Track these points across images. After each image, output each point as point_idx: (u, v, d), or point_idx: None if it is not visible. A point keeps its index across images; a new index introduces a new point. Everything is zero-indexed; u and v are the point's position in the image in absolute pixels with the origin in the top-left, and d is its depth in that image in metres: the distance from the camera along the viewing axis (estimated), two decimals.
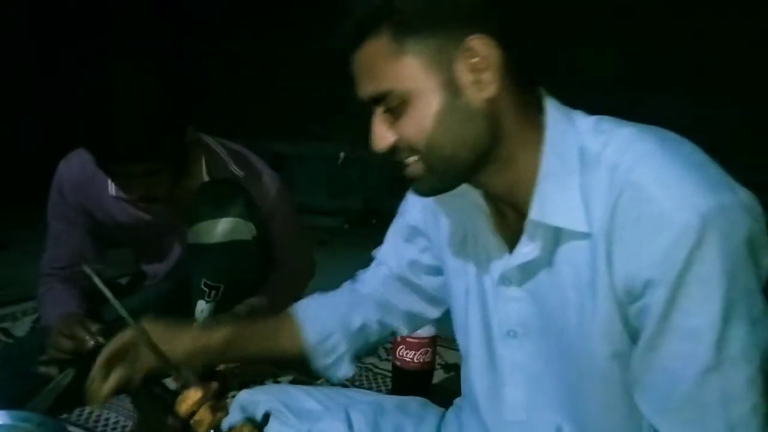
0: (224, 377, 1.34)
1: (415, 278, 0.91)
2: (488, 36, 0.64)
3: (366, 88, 0.68)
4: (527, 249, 0.69)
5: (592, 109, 0.71)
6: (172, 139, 1.17)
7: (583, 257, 0.65)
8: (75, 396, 1.29)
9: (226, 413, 0.80)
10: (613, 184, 0.62)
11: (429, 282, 0.91)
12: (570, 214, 0.65)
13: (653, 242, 0.58)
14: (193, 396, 0.75)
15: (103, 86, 1.12)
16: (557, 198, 0.66)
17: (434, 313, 0.95)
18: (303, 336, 0.89)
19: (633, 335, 0.63)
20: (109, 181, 1.29)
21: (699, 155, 0.63)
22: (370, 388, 1.51)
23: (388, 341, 1.43)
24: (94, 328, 1.19)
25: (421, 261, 0.90)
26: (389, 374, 1.49)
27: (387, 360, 1.57)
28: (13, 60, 3.56)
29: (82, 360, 1.16)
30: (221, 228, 1.24)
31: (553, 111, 0.68)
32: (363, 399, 0.93)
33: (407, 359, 1.34)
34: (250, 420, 0.82)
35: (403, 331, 0.97)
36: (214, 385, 0.79)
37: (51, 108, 3.43)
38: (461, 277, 0.80)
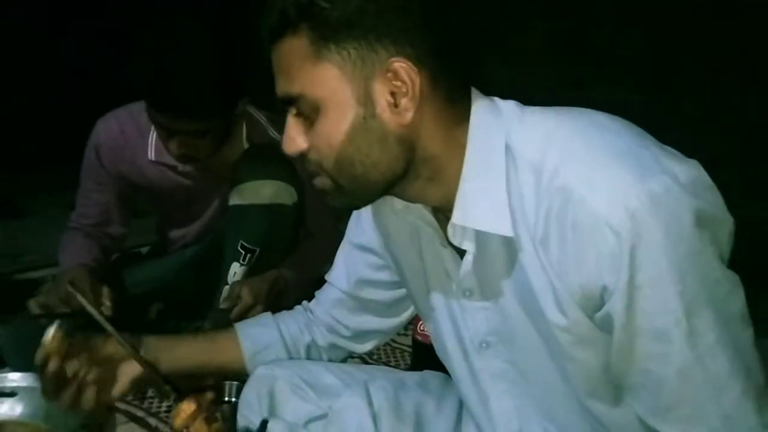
0: (216, 401, 1.32)
1: (369, 295, 0.89)
2: (413, 61, 0.60)
3: (280, 87, 0.65)
4: (465, 262, 0.66)
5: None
6: (227, 104, 1.19)
7: (533, 263, 0.61)
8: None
9: (220, 425, 0.78)
10: (540, 189, 0.59)
11: (385, 295, 0.89)
12: (494, 217, 0.61)
13: (595, 249, 0.55)
14: (186, 409, 0.74)
15: (173, 39, 1.15)
16: (480, 200, 0.62)
17: (394, 322, 0.94)
18: (242, 348, 0.91)
19: (607, 339, 0.59)
20: (150, 145, 1.31)
21: (625, 138, 0.58)
22: (388, 363, 1.49)
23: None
24: (105, 292, 1.19)
25: (374, 278, 0.88)
26: (408, 349, 1.47)
27: (406, 335, 1.55)
28: (29, 22, 3.55)
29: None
30: (266, 190, 1.25)
31: (478, 112, 0.64)
32: (383, 375, 0.92)
33: (428, 333, 1.32)
34: (246, 430, 0.81)
35: (359, 349, 0.96)
36: (208, 395, 0.79)
37: (67, 73, 3.46)
38: (424, 294, 0.78)
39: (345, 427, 0.80)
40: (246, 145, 1.33)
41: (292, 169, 1.28)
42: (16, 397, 1.13)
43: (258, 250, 1.26)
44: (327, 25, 0.60)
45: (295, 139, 0.65)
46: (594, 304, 0.58)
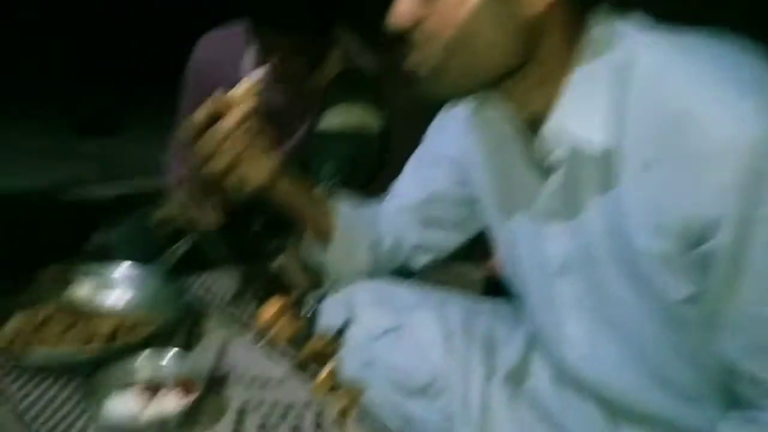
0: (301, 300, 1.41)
1: (438, 210, 0.88)
2: None
3: None
4: (555, 176, 0.65)
5: None
6: (326, 21, 1.22)
7: (625, 186, 0.59)
8: (191, 262, 1.43)
9: (303, 325, 0.83)
10: (654, 110, 0.55)
11: (455, 213, 0.88)
12: (591, 129, 0.59)
13: (712, 178, 0.53)
14: (271, 307, 0.79)
15: None
16: (580, 110, 0.60)
17: (455, 241, 0.94)
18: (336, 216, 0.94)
19: (702, 273, 0.58)
20: (244, 64, 1.35)
21: (760, 70, 0.54)
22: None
23: None
24: (213, 203, 1.28)
25: (448, 193, 0.86)
26: (481, 283, 1.50)
27: (479, 269, 1.58)
28: None
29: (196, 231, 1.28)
30: (353, 115, 1.28)
31: (598, 24, 0.61)
32: (457, 297, 0.95)
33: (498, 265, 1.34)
34: (326, 331, 0.86)
35: (415, 264, 0.97)
36: (292, 297, 0.84)
37: None
38: (502, 213, 0.76)
39: (418, 341, 0.84)
40: (338, 69, 1.36)
41: (380, 95, 1.30)
42: (125, 287, 1.27)
43: (348, 171, 1.30)
44: None
45: (409, 10, 0.62)
46: (693, 238, 0.57)
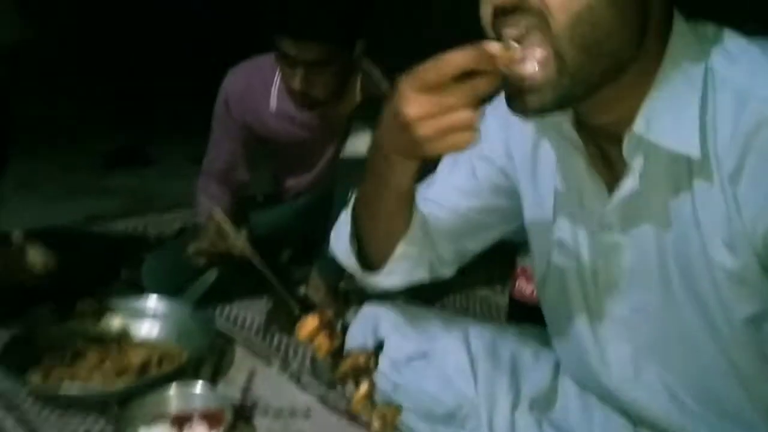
0: (346, 293, 1.42)
1: (475, 216, 0.82)
2: None
3: None
4: (627, 180, 0.60)
5: None
6: (347, 34, 1.26)
7: (709, 197, 0.57)
8: (217, 294, 1.46)
9: (341, 340, 0.84)
10: (742, 115, 0.53)
11: (489, 220, 0.82)
12: (680, 135, 0.56)
13: None
14: (311, 323, 0.80)
15: None
16: (667, 114, 0.56)
17: (481, 249, 0.86)
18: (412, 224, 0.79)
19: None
20: (272, 96, 1.41)
21: None
22: (484, 320, 1.53)
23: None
24: (244, 233, 1.31)
25: (487, 198, 0.80)
26: (504, 307, 1.50)
27: (502, 294, 1.57)
28: None
29: (227, 261, 1.30)
30: None
31: (681, 27, 0.59)
32: (482, 324, 0.94)
33: (526, 293, 1.34)
34: (365, 348, 0.86)
35: (446, 273, 0.86)
36: (329, 313, 0.84)
37: (198, 24, 3.66)
38: (546, 224, 0.73)
39: (444, 367, 0.83)
40: (359, 98, 1.39)
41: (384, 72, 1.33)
42: (154, 319, 1.29)
43: None
44: None
45: None
46: None
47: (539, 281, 0.80)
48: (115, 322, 1.28)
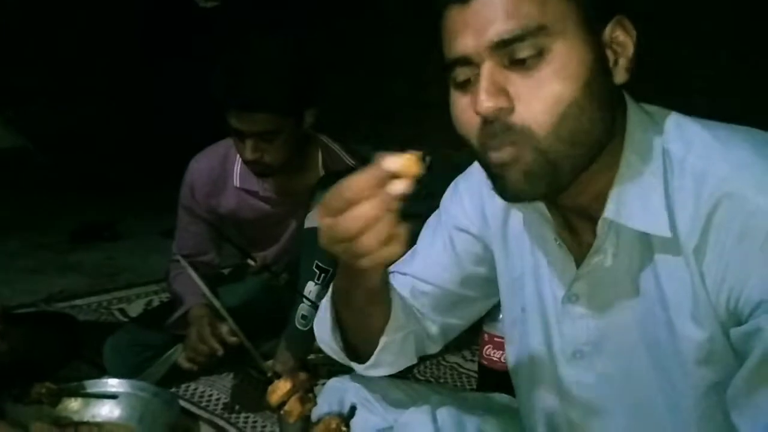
0: (314, 366, 1.41)
1: (462, 289, 0.83)
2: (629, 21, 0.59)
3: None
4: (599, 257, 0.63)
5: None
6: (294, 104, 1.31)
7: (674, 271, 0.60)
8: (182, 371, 1.43)
9: (314, 404, 0.83)
10: (702, 195, 0.57)
11: (472, 292, 0.83)
12: (650, 217, 0.59)
13: (763, 261, 0.54)
14: (282, 387, 0.79)
15: (243, 51, 1.32)
16: (637, 199, 0.60)
17: (464, 325, 0.87)
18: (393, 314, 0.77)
19: (737, 355, 0.59)
20: (235, 173, 1.45)
21: None
22: (454, 389, 1.52)
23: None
24: (225, 330, 1.34)
25: (473, 272, 0.81)
26: (474, 374, 1.49)
27: (472, 360, 1.57)
28: (127, 55, 3.86)
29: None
30: None
31: (633, 108, 0.62)
32: (447, 393, 0.94)
33: (494, 359, 1.34)
34: (338, 414, 0.85)
35: (434, 348, 0.86)
36: (302, 376, 0.83)
37: (154, 103, 3.74)
38: (516, 292, 0.76)
39: None
40: (322, 172, 1.43)
41: None
42: (115, 401, 1.25)
43: (332, 270, 1.33)
44: None
45: (498, 93, 0.55)
46: (737, 318, 0.57)
47: (509, 349, 0.81)
48: (73, 405, 1.23)
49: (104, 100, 3.80)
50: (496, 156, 0.58)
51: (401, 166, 0.52)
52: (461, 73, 0.59)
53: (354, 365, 0.79)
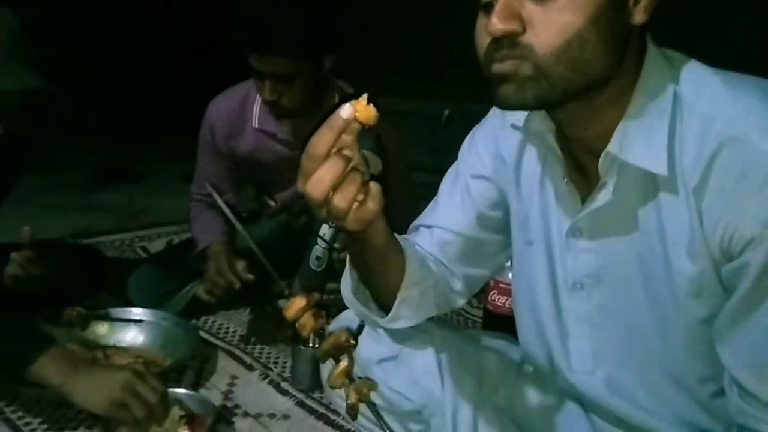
0: (325, 306, 1.47)
1: (482, 234, 0.85)
2: None
3: None
4: (601, 193, 0.67)
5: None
6: (310, 48, 1.32)
7: (674, 209, 0.63)
8: (200, 305, 1.50)
9: (325, 320, 0.88)
10: (707, 137, 0.60)
11: (493, 239, 0.86)
12: (650, 155, 0.62)
13: (759, 200, 0.56)
14: (298, 303, 0.83)
15: None
16: (640, 137, 0.63)
17: (489, 274, 0.91)
18: (407, 261, 0.79)
19: (726, 291, 0.63)
20: (254, 114, 1.48)
21: None
22: None
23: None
24: (241, 267, 1.40)
25: (490, 215, 0.85)
26: (480, 319, 1.55)
27: (478, 307, 1.63)
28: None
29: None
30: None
31: (653, 52, 0.65)
32: (452, 328, 0.99)
33: (499, 304, 1.39)
34: (347, 328, 0.91)
35: (459, 302, 0.89)
36: (316, 295, 0.88)
37: (181, 49, 3.75)
38: (523, 227, 0.80)
39: (412, 368, 0.88)
40: None
41: (380, 140, 1.39)
42: (139, 328, 1.34)
43: None
44: None
45: (511, 16, 0.59)
46: (729, 255, 0.60)
47: (515, 281, 0.86)
48: (101, 330, 1.32)
49: (124, 45, 3.81)
50: (497, 67, 0.61)
51: (353, 111, 0.58)
52: None
53: (378, 320, 0.83)
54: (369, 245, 0.73)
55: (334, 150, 0.59)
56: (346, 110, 0.59)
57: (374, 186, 0.61)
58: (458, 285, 0.88)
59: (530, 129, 0.73)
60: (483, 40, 0.63)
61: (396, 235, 0.79)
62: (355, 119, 0.59)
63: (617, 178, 0.65)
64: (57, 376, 0.98)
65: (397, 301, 0.80)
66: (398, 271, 0.79)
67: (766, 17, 2.11)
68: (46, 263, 1.25)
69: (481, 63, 0.64)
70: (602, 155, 0.65)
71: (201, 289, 1.46)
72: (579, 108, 0.64)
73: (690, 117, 0.62)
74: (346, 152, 0.60)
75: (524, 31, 0.59)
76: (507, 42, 0.60)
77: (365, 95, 0.60)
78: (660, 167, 0.62)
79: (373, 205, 0.61)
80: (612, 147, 0.64)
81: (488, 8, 0.62)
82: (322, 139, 0.59)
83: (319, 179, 0.59)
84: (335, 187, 0.59)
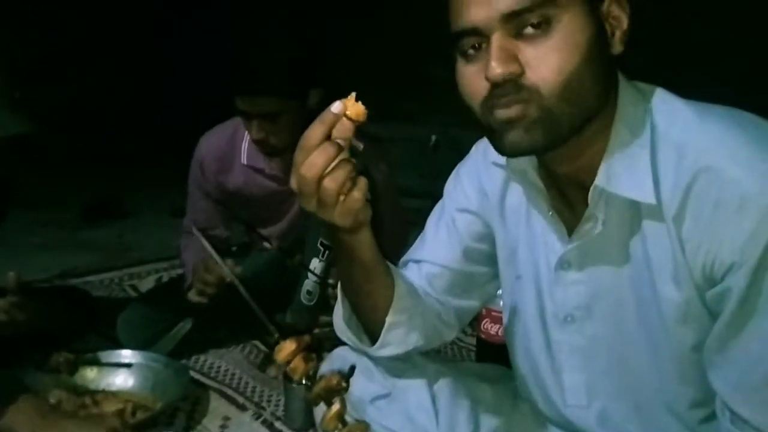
0: (319, 340, 1.46)
1: (470, 268, 0.86)
2: None
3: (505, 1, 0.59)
4: (589, 225, 0.68)
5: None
6: (294, 86, 1.34)
7: (658, 236, 0.64)
8: (192, 343, 1.48)
9: (316, 363, 0.88)
10: (681, 166, 0.61)
11: (482, 272, 0.87)
12: (638, 186, 0.63)
13: (736, 226, 0.58)
14: (288, 346, 0.84)
15: (251, 36, 1.40)
16: (626, 169, 0.64)
17: (479, 305, 0.92)
18: (396, 285, 0.80)
19: (712, 316, 0.63)
20: (243, 151, 1.49)
21: None
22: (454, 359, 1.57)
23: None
24: (230, 263, 1.36)
25: (477, 248, 0.86)
26: (473, 348, 1.54)
27: (471, 335, 1.62)
28: (139, 36, 3.88)
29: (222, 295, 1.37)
30: None
31: (624, 84, 0.67)
32: (444, 362, 0.98)
33: (492, 332, 1.38)
34: (338, 372, 0.90)
35: (450, 334, 0.89)
36: (306, 338, 0.88)
37: (168, 82, 3.77)
38: (511, 262, 0.80)
39: (406, 405, 0.86)
40: None
41: (367, 171, 1.39)
42: (129, 371, 1.31)
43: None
44: None
45: (509, 59, 0.59)
46: (711, 281, 0.61)
47: (506, 316, 0.86)
48: (89, 374, 1.29)
49: (112, 77, 3.83)
50: (504, 113, 0.61)
51: (344, 107, 0.62)
52: (469, 43, 0.62)
53: (367, 350, 0.84)
54: (357, 259, 0.74)
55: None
56: (336, 105, 0.62)
57: (362, 179, 0.65)
58: (448, 317, 0.88)
59: (512, 166, 0.74)
60: (478, 88, 0.62)
61: (387, 262, 0.80)
62: (345, 116, 0.63)
63: (606, 209, 0.66)
64: (26, 428, 0.96)
65: (385, 327, 0.80)
66: (387, 293, 0.79)
67: (738, 43, 2.16)
68: (32, 307, 1.23)
69: (477, 112, 0.64)
70: (591, 189, 0.66)
71: (192, 293, 1.41)
72: (572, 144, 0.64)
73: (665, 147, 0.63)
74: (339, 142, 0.63)
75: (524, 72, 0.59)
76: (511, 86, 0.60)
77: (354, 93, 0.63)
78: (648, 197, 0.63)
79: (358, 194, 0.64)
80: (600, 180, 0.65)
81: (472, 56, 0.62)
82: (314, 133, 0.62)
83: (312, 162, 0.62)
84: (327, 173, 0.62)
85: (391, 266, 0.82)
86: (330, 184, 0.62)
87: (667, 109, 0.65)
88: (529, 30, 0.59)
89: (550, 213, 0.73)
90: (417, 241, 0.91)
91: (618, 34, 0.63)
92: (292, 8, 3.76)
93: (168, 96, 3.79)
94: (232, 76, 1.33)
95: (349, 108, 0.62)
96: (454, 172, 0.89)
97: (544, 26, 0.59)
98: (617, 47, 0.63)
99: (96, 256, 2.38)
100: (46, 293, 1.52)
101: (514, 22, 0.59)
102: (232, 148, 1.51)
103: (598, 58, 0.61)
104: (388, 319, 0.80)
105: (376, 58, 3.66)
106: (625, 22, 0.63)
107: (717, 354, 0.63)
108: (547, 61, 0.59)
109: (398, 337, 0.82)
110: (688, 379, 0.68)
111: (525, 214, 0.77)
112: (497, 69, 0.59)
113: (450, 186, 0.88)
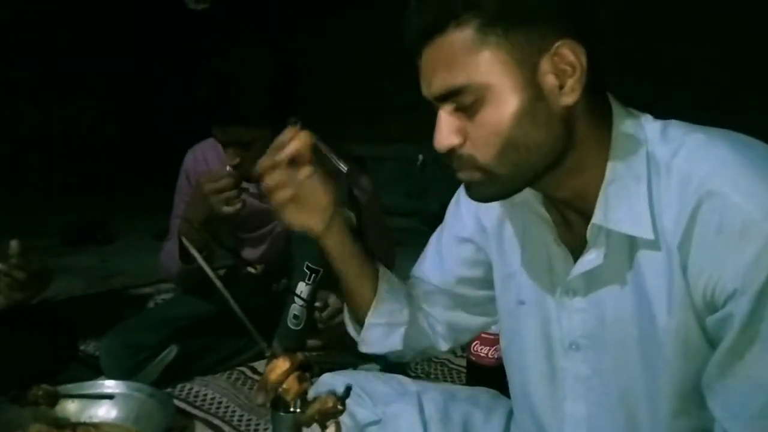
0: (308, 364, 1.43)
1: (463, 290, 0.89)
2: (576, 41, 0.62)
3: (438, 83, 0.64)
4: (592, 256, 0.68)
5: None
6: (272, 115, 1.31)
7: (654, 267, 0.64)
8: (177, 372, 1.45)
9: (310, 384, 0.85)
10: (686, 194, 0.61)
11: (476, 294, 0.89)
12: (635, 221, 0.64)
13: (738, 253, 0.58)
14: (281, 366, 0.80)
15: (224, 65, 1.35)
16: (622, 204, 0.65)
17: (477, 325, 0.93)
18: (378, 286, 0.87)
19: (711, 344, 0.63)
20: (227, 169, 1.45)
21: None
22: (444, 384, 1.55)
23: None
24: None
25: (470, 275, 0.88)
26: (464, 370, 1.53)
27: (462, 357, 1.61)
28: (121, 62, 3.88)
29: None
30: None
31: (619, 115, 0.68)
32: (434, 387, 0.97)
33: (482, 354, 1.38)
34: (333, 392, 0.88)
35: (443, 346, 0.93)
36: (300, 356, 0.85)
37: (152, 108, 3.76)
38: (509, 286, 0.80)
39: (398, 431, 0.86)
40: None
41: (353, 194, 1.38)
42: (112, 402, 1.28)
43: (322, 270, 1.36)
44: (493, 12, 0.61)
45: (451, 133, 0.65)
46: (712, 307, 0.61)
47: (504, 341, 0.85)
48: (70, 406, 1.25)
49: (96, 101, 3.81)
50: (458, 174, 0.69)
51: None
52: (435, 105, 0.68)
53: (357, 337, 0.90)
54: (332, 259, 0.86)
55: None
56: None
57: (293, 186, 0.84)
58: (441, 329, 0.92)
59: (513, 200, 0.74)
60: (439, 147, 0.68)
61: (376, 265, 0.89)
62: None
63: (606, 242, 0.67)
64: None
65: (364, 326, 0.88)
66: (368, 295, 0.87)
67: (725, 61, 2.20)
68: (32, 275, 1.24)
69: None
70: (589, 227, 0.67)
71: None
72: (553, 176, 0.67)
73: (668, 177, 0.64)
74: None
75: (464, 142, 0.65)
76: (454, 155, 0.66)
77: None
78: (645, 232, 0.64)
79: (286, 192, 0.85)
80: (597, 219, 0.66)
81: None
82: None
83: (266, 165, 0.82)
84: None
85: (381, 270, 0.88)
86: (273, 179, 0.81)
87: (668, 138, 0.65)
88: (465, 105, 0.64)
89: (557, 242, 0.73)
90: (421, 256, 0.95)
91: (570, 82, 0.63)
92: (270, 32, 3.79)
93: (152, 121, 3.78)
94: (204, 105, 1.32)
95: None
96: (456, 194, 0.90)
97: (477, 102, 0.63)
98: (568, 98, 0.63)
99: (79, 282, 2.34)
100: (27, 318, 1.47)
101: (448, 100, 0.65)
102: (217, 164, 1.50)
103: (538, 118, 0.63)
104: (367, 320, 0.87)
105: (363, 78, 3.69)
106: (579, 69, 0.62)
107: (717, 381, 0.62)
108: (480, 133, 0.64)
109: (377, 337, 0.88)
110: (683, 413, 0.68)
111: (526, 240, 0.78)
112: (437, 143, 0.66)
113: (451, 209, 0.91)
